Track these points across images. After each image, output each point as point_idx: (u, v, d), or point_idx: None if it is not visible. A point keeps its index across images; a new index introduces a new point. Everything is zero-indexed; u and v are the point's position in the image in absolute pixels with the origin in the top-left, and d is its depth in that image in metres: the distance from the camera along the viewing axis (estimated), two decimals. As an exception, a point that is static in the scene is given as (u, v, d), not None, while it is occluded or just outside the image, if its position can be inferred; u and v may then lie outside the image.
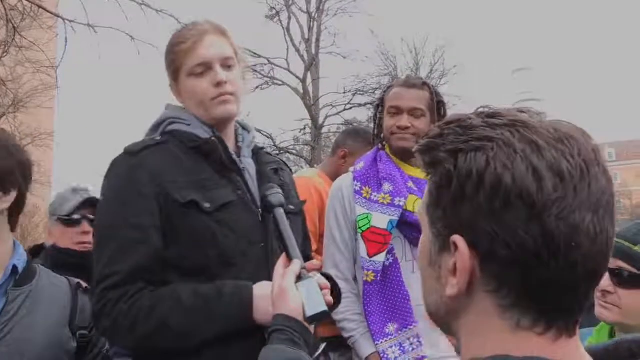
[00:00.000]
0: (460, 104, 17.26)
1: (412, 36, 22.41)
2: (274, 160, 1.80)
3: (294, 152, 17.89)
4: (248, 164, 1.69)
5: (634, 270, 1.55)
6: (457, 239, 0.71)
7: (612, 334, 1.69)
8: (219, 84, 1.62)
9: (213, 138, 1.61)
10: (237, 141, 1.73)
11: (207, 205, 1.54)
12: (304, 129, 17.79)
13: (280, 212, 1.52)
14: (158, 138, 1.65)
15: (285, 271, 1.39)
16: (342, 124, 18.63)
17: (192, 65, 1.63)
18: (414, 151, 0.78)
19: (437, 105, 2.27)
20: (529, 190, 0.67)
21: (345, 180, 2.33)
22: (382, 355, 2.12)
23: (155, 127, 1.71)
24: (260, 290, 1.50)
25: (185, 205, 1.53)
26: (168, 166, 1.57)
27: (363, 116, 18.77)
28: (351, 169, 2.37)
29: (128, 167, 1.57)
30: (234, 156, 1.65)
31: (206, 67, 1.63)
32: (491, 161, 0.68)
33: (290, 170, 1.93)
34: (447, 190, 0.72)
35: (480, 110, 0.76)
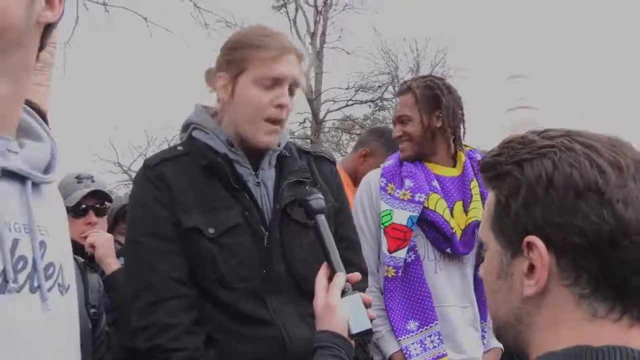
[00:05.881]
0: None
1: (414, 36, 22.29)
2: (298, 169, 1.65)
3: (292, 145, 17.75)
4: (266, 177, 1.61)
5: None
6: (532, 238, 0.77)
7: None
8: (280, 106, 1.55)
9: (219, 159, 1.56)
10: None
11: (211, 231, 1.52)
12: (304, 122, 17.68)
13: (321, 219, 1.44)
14: (180, 148, 1.63)
15: (330, 286, 1.34)
16: (341, 120, 18.54)
17: (266, 77, 1.54)
18: (480, 171, 0.88)
19: (431, 99, 2.20)
20: (596, 182, 0.76)
21: (374, 175, 2.32)
22: (405, 351, 2.11)
23: (185, 128, 1.68)
24: None
25: (187, 230, 1.52)
26: (180, 184, 1.55)
27: (362, 113, 18.65)
28: (383, 164, 2.35)
29: (146, 181, 1.57)
30: (245, 174, 1.58)
31: (276, 83, 1.55)
32: (558, 163, 0.78)
33: (334, 163, 1.80)
34: (516, 197, 0.80)
35: (532, 131, 0.85)
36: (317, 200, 1.46)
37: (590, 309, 0.76)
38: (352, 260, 1.68)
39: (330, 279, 1.36)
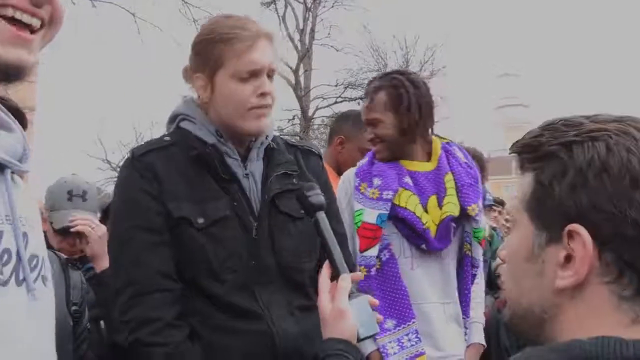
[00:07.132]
0: (443, 104, 17.21)
1: (403, 34, 22.21)
2: (286, 161, 1.65)
3: (281, 142, 17.74)
4: (254, 169, 1.61)
5: None
6: (576, 226, 0.70)
7: None
8: (263, 95, 1.54)
9: (208, 150, 1.55)
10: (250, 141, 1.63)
11: (200, 220, 1.51)
12: (293, 119, 17.66)
13: (322, 216, 1.41)
14: (167, 139, 1.60)
15: (337, 289, 1.30)
16: (330, 117, 18.55)
17: (242, 70, 1.52)
18: (517, 152, 0.81)
19: (398, 99, 2.15)
20: None
21: (350, 174, 2.29)
22: (382, 350, 2.08)
23: (172, 119, 1.67)
24: None
25: (177, 220, 1.50)
26: (169, 174, 1.53)
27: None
28: (359, 163, 2.31)
29: (133, 171, 1.54)
30: (234, 166, 1.58)
31: (254, 74, 1.53)
32: (613, 147, 0.71)
33: (320, 157, 1.79)
34: (561, 180, 0.73)
35: (571, 116, 0.79)
36: (317, 196, 1.42)
37: (631, 314, 0.69)
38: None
39: (332, 278, 1.33)
